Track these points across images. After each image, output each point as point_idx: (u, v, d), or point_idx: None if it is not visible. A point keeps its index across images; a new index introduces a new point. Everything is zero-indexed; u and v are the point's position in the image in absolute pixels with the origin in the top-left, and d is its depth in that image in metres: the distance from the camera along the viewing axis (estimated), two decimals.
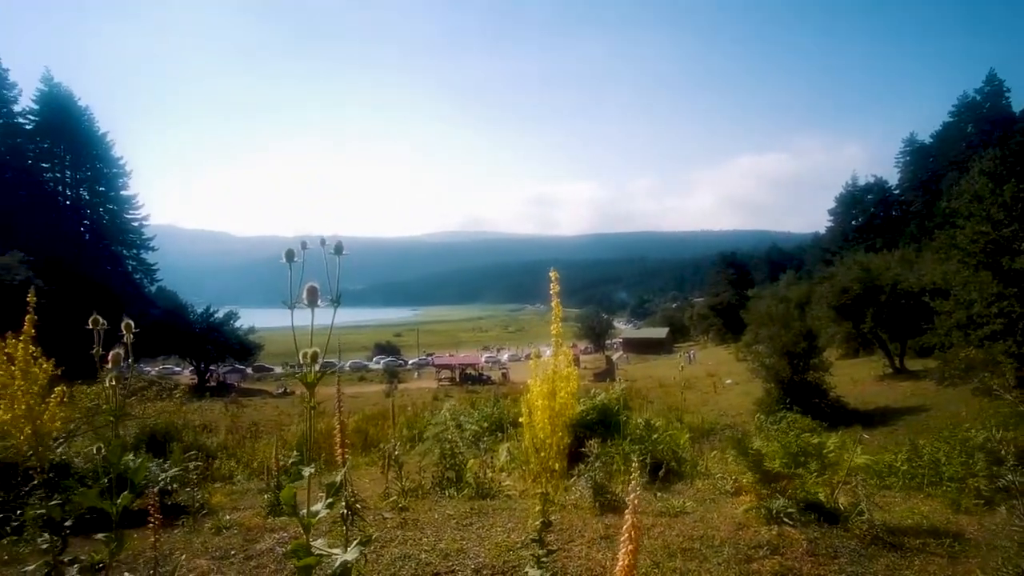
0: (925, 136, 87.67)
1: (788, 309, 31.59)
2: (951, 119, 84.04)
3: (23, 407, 2.62)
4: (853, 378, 32.97)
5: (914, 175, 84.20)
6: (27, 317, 2.69)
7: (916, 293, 28.84)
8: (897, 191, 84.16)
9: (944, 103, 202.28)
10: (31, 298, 2.79)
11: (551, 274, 2.37)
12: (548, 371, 2.30)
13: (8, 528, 5.14)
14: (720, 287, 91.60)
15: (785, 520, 5.42)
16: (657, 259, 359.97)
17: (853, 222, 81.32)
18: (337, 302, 2.28)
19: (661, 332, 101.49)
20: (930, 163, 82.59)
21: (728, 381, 40.89)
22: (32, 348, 2.66)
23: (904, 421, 21.70)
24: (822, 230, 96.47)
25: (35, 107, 72.75)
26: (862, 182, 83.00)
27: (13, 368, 2.61)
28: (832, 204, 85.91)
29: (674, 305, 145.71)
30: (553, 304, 2.40)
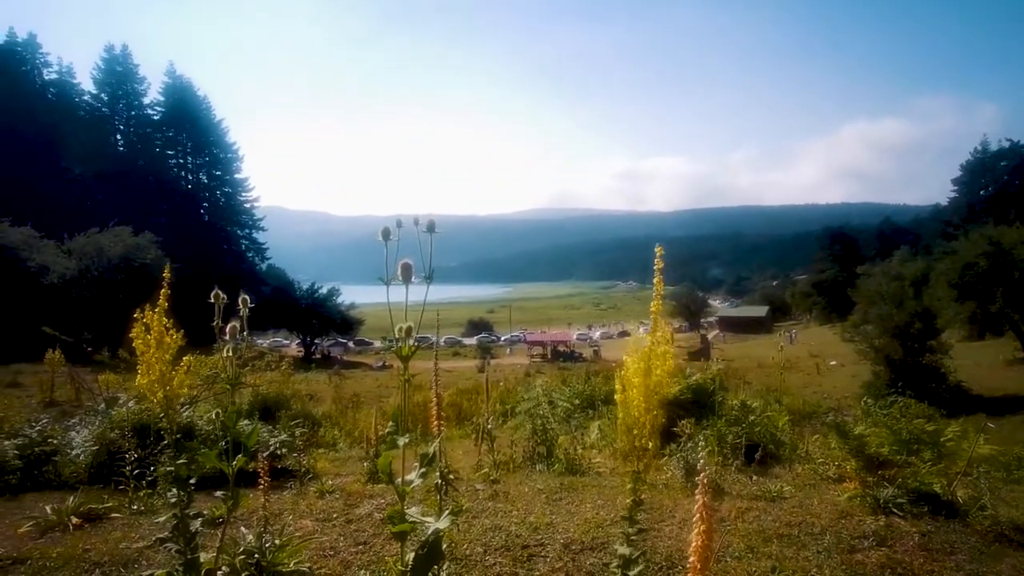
0: None
1: (902, 287, 29.48)
2: None
3: (157, 373, 2.88)
4: (977, 362, 30.45)
5: None
6: (162, 291, 2.93)
7: None
8: None
9: None
10: (166, 274, 3.04)
11: (656, 250, 2.29)
12: (644, 348, 2.26)
13: (143, 483, 5.72)
14: (824, 263, 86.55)
15: (894, 510, 5.09)
16: (756, 235, 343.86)
17: (982, 192, 74.39)
18: (430, 278, 2.34)
19: (760, 310, 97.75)
20: None
21: (832, 363, 38.83)
22: (165, 320, 2.90)
23: None
24: (944, 201, 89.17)
25: (161, 99, 79.14)
26: (994, 147, 75.51)
27: (149, 337, 2.86)
28: (957, 172, 78.93)
29: (774, 283, 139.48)
30: (655, 281, 2.33)
